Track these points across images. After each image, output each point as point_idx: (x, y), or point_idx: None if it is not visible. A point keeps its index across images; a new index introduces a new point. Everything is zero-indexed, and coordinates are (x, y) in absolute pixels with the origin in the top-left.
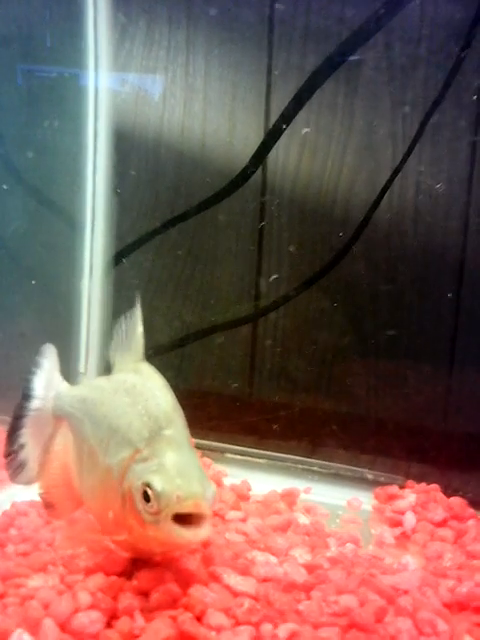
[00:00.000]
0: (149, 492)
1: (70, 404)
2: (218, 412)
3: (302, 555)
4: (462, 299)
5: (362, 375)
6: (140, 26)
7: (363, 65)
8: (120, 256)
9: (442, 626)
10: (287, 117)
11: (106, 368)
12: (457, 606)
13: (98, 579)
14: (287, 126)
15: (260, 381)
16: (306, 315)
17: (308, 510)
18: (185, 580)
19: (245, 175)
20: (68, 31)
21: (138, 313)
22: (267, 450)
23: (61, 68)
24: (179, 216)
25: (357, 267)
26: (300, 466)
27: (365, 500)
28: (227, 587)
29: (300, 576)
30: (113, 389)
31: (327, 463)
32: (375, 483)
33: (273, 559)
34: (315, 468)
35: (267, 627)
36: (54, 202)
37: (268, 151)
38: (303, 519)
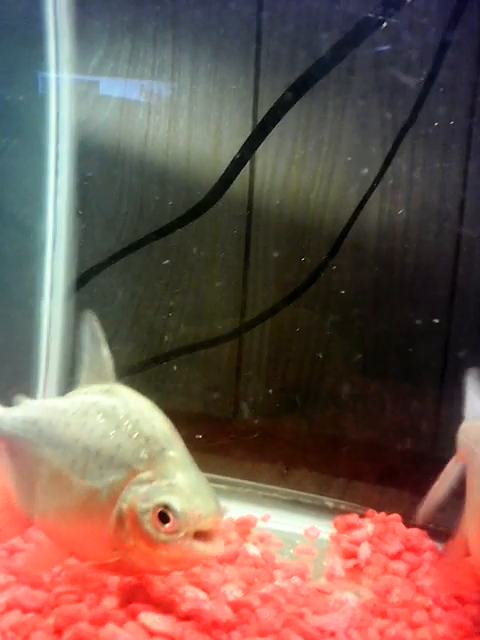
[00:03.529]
0: (168, 513)
1: (12, 425)
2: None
3: (233, 592)
4: (453, 319)
5: (335, 398)
6: (125, 44)
7: (352, 81)
8: (88, 276)
9: None
10: (258, 138)
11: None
12: None
13: (13, 617)
14: (253, 151)
15: (226, 405)
16: (279, 336)
17: (261, 539)
18: (101, 618)
19: (214, 195)
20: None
21: (99, 333)
22: (228, 475)
23: (21, 85)
24: (152, 234)
25: (343, 285)
26: (260, 492)
27: (325, 529)
28: (143, 626)
29: (224, 614)
30: (81, 411)
31: (288, 490)
32: (337, 511)
33: (202, 595)
34: (276, 495)
35: None
36: (16, 220)
37: (240, 169)
38: (253, 549)
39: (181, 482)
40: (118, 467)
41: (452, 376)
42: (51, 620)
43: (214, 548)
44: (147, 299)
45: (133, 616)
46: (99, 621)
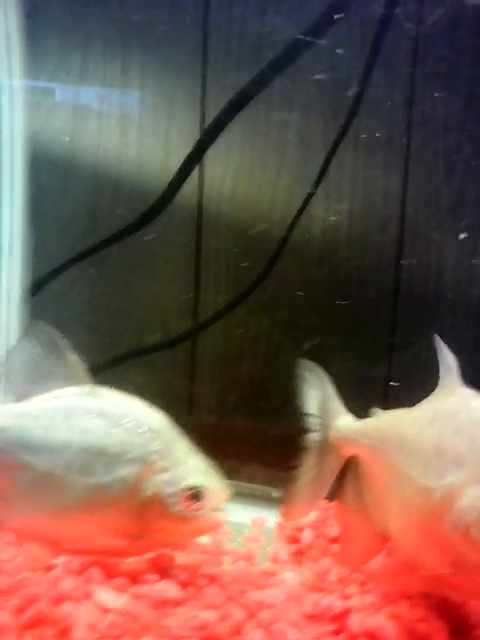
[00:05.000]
0: (198, 493)
1: None
2: None
3: (181, 574)
4: (398, 318)
5: (282, 392)
6: (74, 59)
7: (295, 91)
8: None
9: (292, 635)
10: (203, 147)
11: None
12: (317, 617)
13: None
14: (200, 157)
15: (174, 402)
16: (228, 339)
17: None
18: (59, 598)
19: (160, 202)
20: None
21: (60, 340)
22: None
23: None
24: (102, 242)
25: (291, 288)
26: None
27: (271, 518)
28: (97, 604)
29: (173, 593)
30: (62, 414)
31: (237, 482)
32: (282, 501)
33: (154, 577)
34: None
35: None
36: None
37: (185, 177)
38: (203, 538)
39: (197, 466)
40: (129, 461)
41: (397, 376)
42: (15, 602)
43: (225, 515)
44: (101, 305)
45: (89, 596)
46: (57, 600)
